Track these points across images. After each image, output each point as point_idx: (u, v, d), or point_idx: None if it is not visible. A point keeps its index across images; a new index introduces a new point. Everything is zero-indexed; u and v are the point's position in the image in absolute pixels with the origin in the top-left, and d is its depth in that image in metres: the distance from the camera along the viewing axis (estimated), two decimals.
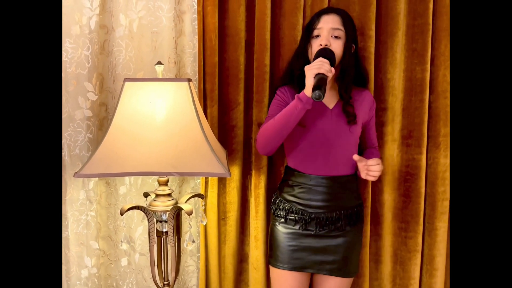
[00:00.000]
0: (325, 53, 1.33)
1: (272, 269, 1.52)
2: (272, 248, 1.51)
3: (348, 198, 1.48)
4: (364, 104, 1.50)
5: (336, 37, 1.39)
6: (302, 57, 1.44)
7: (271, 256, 1.51)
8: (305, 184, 1.45)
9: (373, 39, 1.63)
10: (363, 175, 1.36)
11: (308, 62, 1.40)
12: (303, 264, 1.46)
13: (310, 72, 1.26)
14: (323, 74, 1.25)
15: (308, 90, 1.26)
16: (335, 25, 1.39)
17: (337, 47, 1.38)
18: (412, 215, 1.74)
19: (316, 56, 1.32)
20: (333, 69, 1.28)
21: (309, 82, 1.26)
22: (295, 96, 1.30)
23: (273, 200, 1.56)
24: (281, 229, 1.48)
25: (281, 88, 1.49)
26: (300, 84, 1.39)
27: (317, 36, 1.41)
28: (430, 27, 1.65)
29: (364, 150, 1.58)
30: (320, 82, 1.23)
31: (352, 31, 1.42)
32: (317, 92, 1.21)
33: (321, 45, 1.37)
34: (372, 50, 1.64)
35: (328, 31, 1.38)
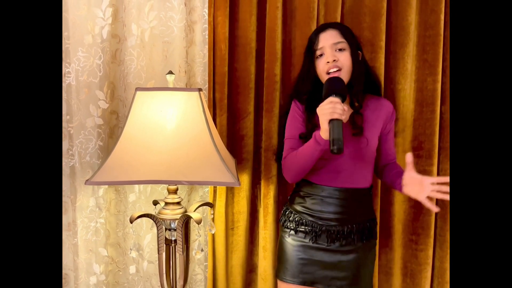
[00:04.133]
0: (334, 86, 1.27)
1: (280, 283, 1.47)
2: (280, 261, 1.47)
3: (361, 212, 1.44)
4: (381, 114, 1.44)
5: (340, 50, 1.37)
6: (307, 81, 1.42)
7: (280, 270, 1.47)
8: (316, 195, 1.41)
9: (383, 50, 1.63)
10: (423, 196, 1.24)
11: (318, 81, 1.39)
12: (313, 278, 1.42)
13: (324, 117, 1.21)
14: (337, 119, 1.20)
15: (324, 134, 1.23)
16: (335, 39, 1.37)
17: (345, 59, 1.37)
18: (423, 227, 1.71)
19: (325, 91, 1.27)
20: (346, 107, 1.22)
21: (324, 126, 1.22)
22: (313, 135, 1.27)
23: (283, 211, 1.52)
24: (291, 242, 1.44)
25: (295, 100, 1.46)
26: (308, 106, 1.40)
27: (321, 55, 1.38)
28: (442, 38, 1.64)
29: (381, 164, 1.49)
30: (337, 133, 1.18)
31: (353, 40, 1.40)
32: (335, 148, 1.16)
33: (328, 62, 1.35)
34: (383, 60, 1.64)
35: (331, 47, 1.36)
